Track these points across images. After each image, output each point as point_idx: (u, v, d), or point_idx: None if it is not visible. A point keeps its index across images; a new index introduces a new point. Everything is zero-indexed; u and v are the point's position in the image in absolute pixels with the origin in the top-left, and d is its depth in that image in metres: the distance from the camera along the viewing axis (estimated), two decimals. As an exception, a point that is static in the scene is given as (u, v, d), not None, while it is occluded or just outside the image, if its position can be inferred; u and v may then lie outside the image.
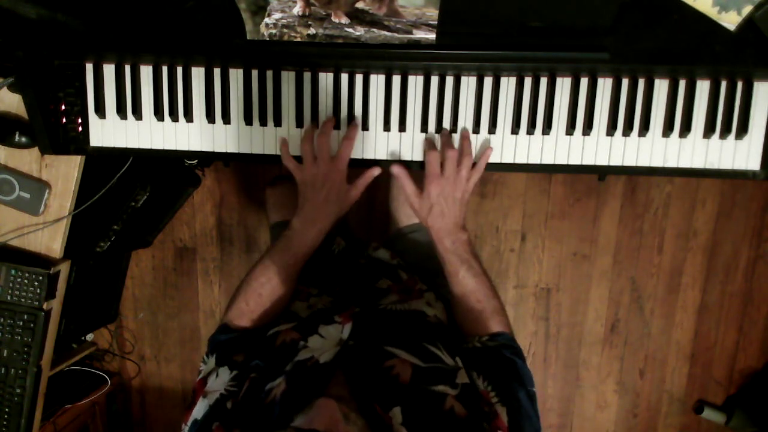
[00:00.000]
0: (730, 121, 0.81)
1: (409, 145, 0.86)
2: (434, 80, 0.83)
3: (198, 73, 0.85)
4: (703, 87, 0.81)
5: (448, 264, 0.80)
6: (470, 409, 0.58)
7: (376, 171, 0.83)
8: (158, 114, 0.87)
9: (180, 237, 1.89)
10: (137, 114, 0.87)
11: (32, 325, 1.05)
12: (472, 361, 0.70)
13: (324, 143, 0.80)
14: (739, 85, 0.80)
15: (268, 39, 0.77)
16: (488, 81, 0.83)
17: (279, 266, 0.80)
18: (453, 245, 0.80)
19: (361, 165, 0.86)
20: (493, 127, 0.84)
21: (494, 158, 0.85)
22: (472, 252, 0.81)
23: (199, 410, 0.64)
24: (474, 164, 0.81)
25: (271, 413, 0.57)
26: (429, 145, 0.83)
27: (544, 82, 0.82)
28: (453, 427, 0.56)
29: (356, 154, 0.86)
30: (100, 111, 0.87)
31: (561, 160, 0.84)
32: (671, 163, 0.83)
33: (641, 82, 0.81)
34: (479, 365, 0.69)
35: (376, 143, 0.86)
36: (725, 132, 0.81)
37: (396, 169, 0.83)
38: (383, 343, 0.65)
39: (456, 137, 0.84)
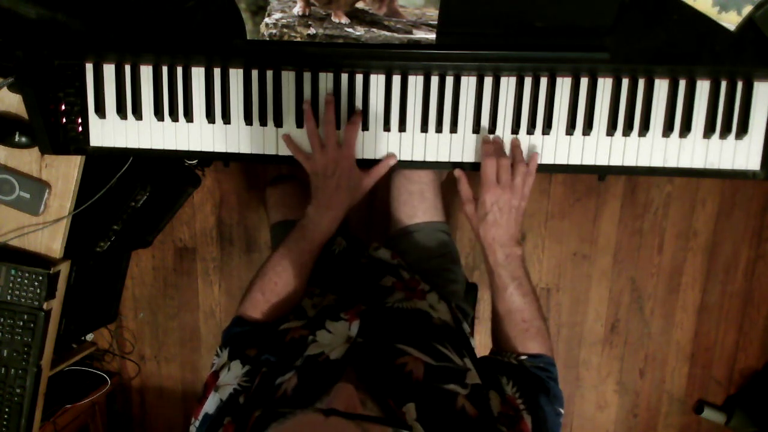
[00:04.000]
0: (730, 121, 0.81)
1: (409, 145, 0.86)
2: (434, 80, 0.83)
3: (198, 73, 0.85)
4: (703, 87, 0.81)
5: (497, 278, 0.77)
6: (481, 410, 0.58)
7: (392, 160, 0.84)
8: (158, 114, 0.87)
9: (180, 237, 1.88)
10: (137, 114, 0.87)
11: (32, 325, 1.05)
12: (503, 370, 0.70)
13: (330, 131, 0.81)
14: (739, 85, 0.80)
15: (268, 39, 0.77)
16: (488, 81, 0.83)
17: (295, 255, 0.80)
18: (506, 260, 0.77)
19: (361, 165, 0.86)
20: (493, 127, 0.84)
21: (494, 158, 0.84)
22: (524, 269, 0.78)
23: (210, 404, 0.64)
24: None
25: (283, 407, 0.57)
26: (486, 151, 0.81)
27: (544, 82, 0.82)
28: (465, 426, 0.56)
29: (356, 154, 0.86)
30: (100, 111, 0.87)
31: (561, 160, 0.84)
32: (671, 163, 0.83)
33: (641, 82, 0.81)
34: (510, 374, 0.69)
35: (377, 143, 0.86)
36: (725, 132, 0.81)
37: (457, 172, 0.83)
38: (393, 340, 0.65)
39: (507, 144, 0.84)
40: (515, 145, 0.82)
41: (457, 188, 0.84)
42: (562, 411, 0.69)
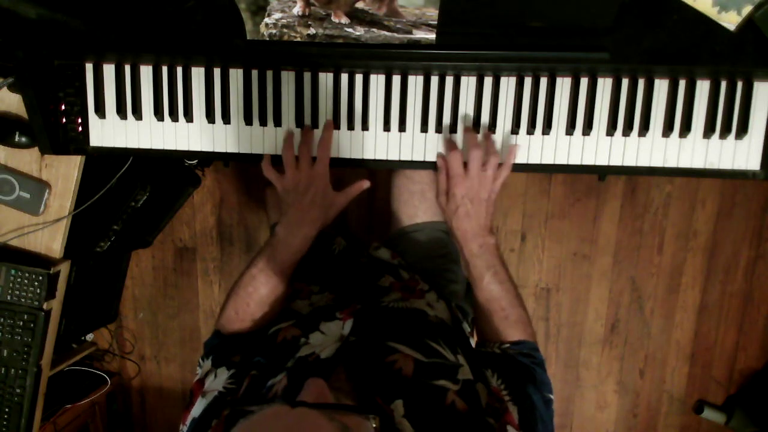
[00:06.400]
0: (730, 121, 0.81)
1: (409, 145, 0.86)
2: (434, 80, 0.83)
3: (198, 73, 0.85)
4: (703, 87, 0.81)
5: (473, 269, 0.78)
6: (471, 405, 0.58)
7: (365, 184, 0.83)
8: (158, 114, 0.87)
9: (180, 237, 1.88)
10: (137, 114, 0.87)
11: (32, 325, 1.05)
12: (488, 361, 0.70)
13: (306, 151, 0.80)
14: (739, 85, 0.80)
15: (268, 39, 0.77)
16: (488, 81, 0.83)
17: (265, 275, 0.79)
18: (479, 249, 0.78)
19: (361, 165, 0.86)
20: (492, 127, 0.84)
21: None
22: (499, 257, 0.79)
23: (197, 409, 0.65)
24: (500, 164, 0.80)
25: None
26: (450, 144, 0.81)
27: (544, 82, 0.82)
28: (454, 421, 0.56)
29: (356, 154, 0.86)
30: (100, 111, 0.87)
31: (561, 160, 0.84)
32: (671, 163, 0.83)
33: (641, 82, 0.81)
34: (495, 366, 0.69)
35: (376, 143, 0.86)
36: (725, 132, 0.81)
37: (440, 161, 0.83)
38: (384, 338, 0.65)
39: (478, 137, 0.83)
40: (486, 137, 0.82)
41: (436, 179, 0.84)
42: (552, 397, 0.69)
